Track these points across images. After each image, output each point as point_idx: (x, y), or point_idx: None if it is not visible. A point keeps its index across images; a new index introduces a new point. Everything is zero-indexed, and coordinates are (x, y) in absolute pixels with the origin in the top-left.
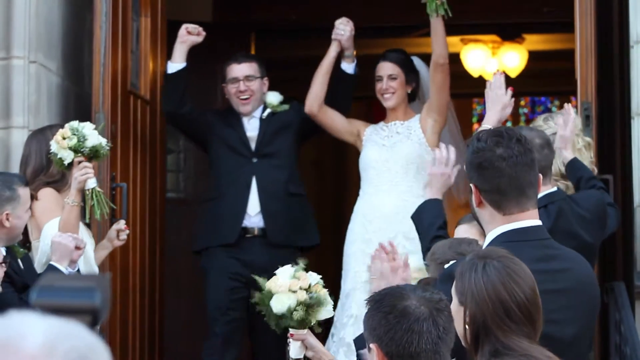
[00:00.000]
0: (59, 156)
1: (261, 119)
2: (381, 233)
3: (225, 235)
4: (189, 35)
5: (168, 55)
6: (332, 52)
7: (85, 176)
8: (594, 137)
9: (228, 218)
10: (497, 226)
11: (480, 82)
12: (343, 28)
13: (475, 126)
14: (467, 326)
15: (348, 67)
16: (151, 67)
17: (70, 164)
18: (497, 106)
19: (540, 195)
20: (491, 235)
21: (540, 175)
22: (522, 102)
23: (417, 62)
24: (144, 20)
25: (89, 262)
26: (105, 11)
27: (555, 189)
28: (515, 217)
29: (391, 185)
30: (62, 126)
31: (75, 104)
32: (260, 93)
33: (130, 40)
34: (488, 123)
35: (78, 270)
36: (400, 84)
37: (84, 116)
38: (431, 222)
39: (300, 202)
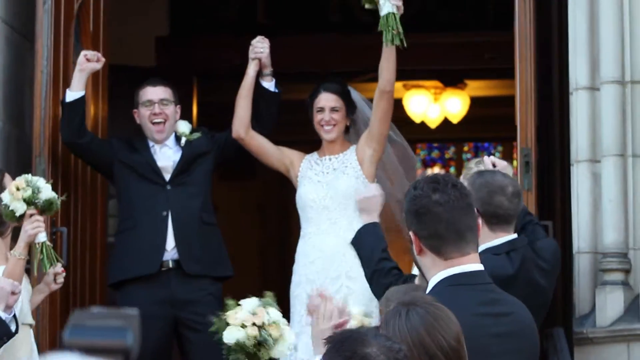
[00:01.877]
0: (10, 208)
1: (181, 148)
2: (324, 273)
3: (145, 267)
4: (88, 62)
5: (110, 99)
6: (252, 71)
7: (37, 230)
8: (534, 183)
9: (147, 249)
10: (439, 271)
11: (423, 127)
12: (261, 46)
13: (419, 171)
14: None
15: (269, 85)
16: (92, 112)
17: (22, 216)
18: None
19: (502, 241)
20: (434, 281)
21: (480, 221)
22: (466, 148)
23: (355, 94)
24: None
25: (23, 312)
26: (47, 55)
27: (516, 235)
28: (456, 261)
29: (330, 223)
30: (2, 172)
31: (16, 147)
32: (174, 120)
33: None
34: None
35: (14, 316)
36: (341, 117)
37: (25, 159)
38: (373, 246)
39: (213, 231)
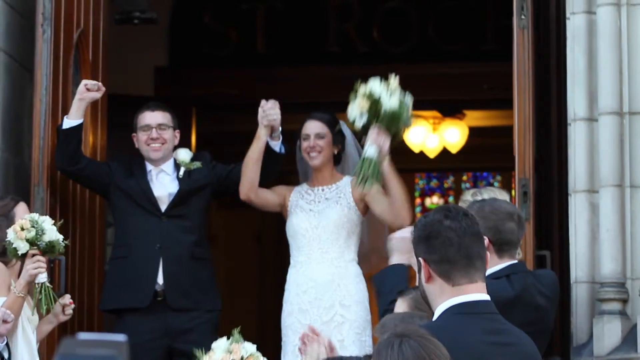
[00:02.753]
0: (13, 245)
1: (179, 179)
2: (317, 303)
3: (137, 299)
4: (88, 92)
5: (109, 129)
6: (263, 136)
7: (37, 270)
8: (532, 213)
9: (139, 281)
10: (447, 299)
11: (422, 157)
12: (274, 112)
13: (418, 200)
14: None
15: (276, 144)
16: (91, 141)
17: (24, 255)
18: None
19: (502, 266)
20: (441, 309)
21: (488, 253)
22: (465, 177)
23: (346, 131)
24: None
25: (30, 343)
26: (46, 85)
27: (516, 261)
28: (464, 288)
29: (322, 252)
30: (16, 201)
31: (15, 176)
32: (172, 144)
33: None
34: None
35: (7, 344)
36: (327, 143)
37: (23, 188)
38: (393, 286)
39: (205, 266)
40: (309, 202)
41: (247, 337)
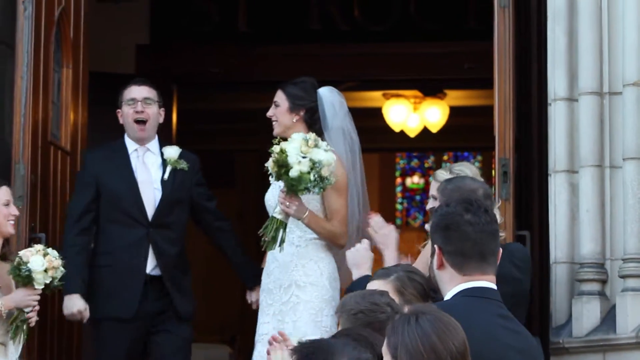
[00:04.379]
0: (32, 275)
1: (163, 182)
2: (279, 283)
3: (122, 310)
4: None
5: (89, 106)
6: None
7: (33, 304)
8: (512, 193)
9: (125, 291)
10: (457, 284)
11: (403, 136)
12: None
13: (399, 180)
14: None
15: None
16: (72, 118)
17: (30, 282)
18: (392, 244)
19: None
20: (451, 293)
21: (501, 249)
22: (445, 157)
23: (324, 91)
24: (65, 72)
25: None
26: (27, 62)
27: None
28: (475, 277)
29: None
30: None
31: None
32: (157, 121)
33: (52, 91)
34: (390, 263)
35: None
36: (281, 112)
37: (3, 166)
38: None
39: (185, 274)
40: None
41: (231, 311)
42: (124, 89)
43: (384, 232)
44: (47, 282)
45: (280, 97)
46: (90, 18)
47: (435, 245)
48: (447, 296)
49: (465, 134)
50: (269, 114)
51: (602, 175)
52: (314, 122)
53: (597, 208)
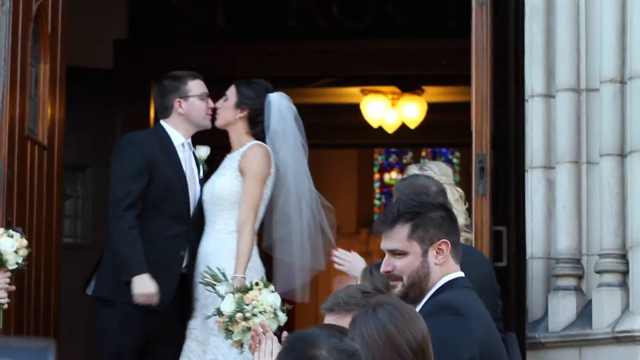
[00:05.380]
0: (5, 257)
1: (200, 181)
2: (201, 277)
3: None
4: None
5: (67, 101)
6: None
7: (2, 287)
8: (489, 189)
9: (161, 283)
10: (445, 275)
11: (381, 132)
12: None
13: (377, 175)
14: None
15: None
16: (49, 113)
17: (1, 266)
18: (361, 268)
19: None
20: (444, 280)
21: None
22: (424, 153)
23: (274, 95)
24: (43, 66)
25: None
26: (4, 56)
27: None
28: (457, 267)
29: (208, 224)
30: None
31: None
32: None
33: (29, 86)
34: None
35: None
36: (227, 106)
37: None
38: None
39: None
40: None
41: None
42: (189, 79)
43: (350, 260)
44: (19, 261)
45: (231, 91)
46: (68, 13)
47: (442, 240)
48: (437, 285)
49: (443, 130)
50: (216, 105)
51: (579, 171)
52: (256, 124)
53: (574, 204)
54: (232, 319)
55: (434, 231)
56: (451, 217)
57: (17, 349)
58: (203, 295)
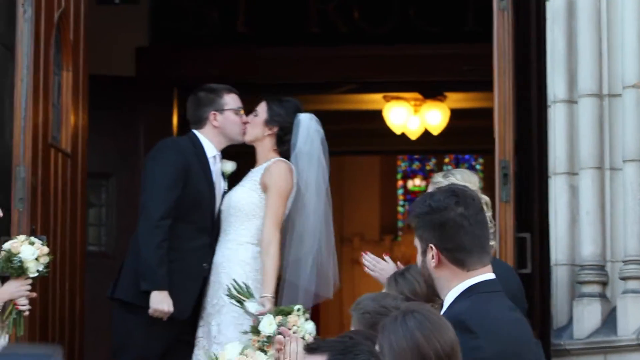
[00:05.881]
0: (25, 265)
1: (223, 194)
2: (212, 285)
3: (177, 310)
4: None
5: (90, 109)
6: None
7: (26, 294)
8: (512, 196)
9: (184, 292)
10: (462, 281)
11: (404, 139)
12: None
13: (400, 182)
14: None
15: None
16: (72, 121)
17: (22, 274)
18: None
19: None
20: (456, 292)
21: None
22: (447, 160)
23: (304, 116)
24: (65, 74)
25: None
26: (27, 64)
27: None
28: (479, 270)
29: (222, 233)
30: None
31: None
32: None
33: (52, 94)
34: None
35: None
36: (256, 122)
37: (4, 168)
38: None
39: None
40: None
41: None
42: (224, 93)
43: (381, 267)
44: (40, 269)
45: (262, 108)
46: (90, 21)
47: (431, 245)
48: (451, 294)
49: (466, 137)
50: (247, 119)
51: (602, 177)
52: (283, 143)
53: (597, 210)
54: (269, 339)
55: (428, 234)
56: (459, 225)
57: (24, 355)
58: (210, 304)
